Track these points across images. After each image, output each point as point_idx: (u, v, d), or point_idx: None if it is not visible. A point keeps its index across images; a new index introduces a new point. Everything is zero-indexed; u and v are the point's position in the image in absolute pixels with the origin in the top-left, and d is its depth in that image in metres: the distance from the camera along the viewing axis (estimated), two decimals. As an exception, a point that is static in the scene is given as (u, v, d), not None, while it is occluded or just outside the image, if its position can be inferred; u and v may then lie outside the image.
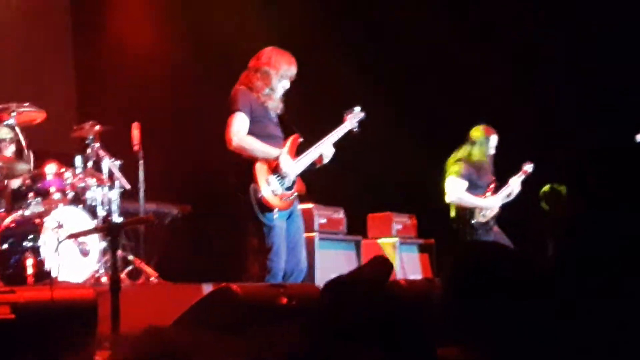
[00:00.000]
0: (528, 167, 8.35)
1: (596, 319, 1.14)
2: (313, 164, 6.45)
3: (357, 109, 6.70)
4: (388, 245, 9.06)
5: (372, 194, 9.66)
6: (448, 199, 8.05)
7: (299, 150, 6.41)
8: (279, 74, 6.36)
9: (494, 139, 8.14)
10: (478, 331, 2.40)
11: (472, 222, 8.01)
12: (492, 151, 8.16)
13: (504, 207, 8.18)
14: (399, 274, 8.75)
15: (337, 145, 6.51)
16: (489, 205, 8.02)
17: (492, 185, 8.15)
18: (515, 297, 2.29)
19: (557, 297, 1.24)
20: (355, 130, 6.64)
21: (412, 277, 8.56)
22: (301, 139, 6.47)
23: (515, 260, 2.53)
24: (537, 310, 2.14)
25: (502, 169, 8.29)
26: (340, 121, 6.60)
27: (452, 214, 8.16)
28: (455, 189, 7.99)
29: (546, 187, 8.46)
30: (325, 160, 6.47)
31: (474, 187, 8.05)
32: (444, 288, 2.72)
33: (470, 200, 7.98)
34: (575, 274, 1.20)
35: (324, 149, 6.45)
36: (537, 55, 9.29)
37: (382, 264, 2.11)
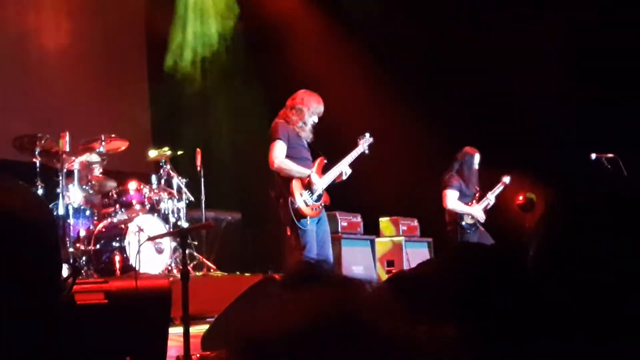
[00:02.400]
0: (506, 179, 8.32)
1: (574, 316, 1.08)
2: (334, 180, 6.50)
3: (367, 134, 6.69)
4: (396, 242, 9.09)
5: (383, 202, 9.65)
6: (445, 205, 8.04)
7: (324, 170, 6.44)
8: (310, 111, 6.37)
9: (477, 157, 8.13)
10: (463, 311, 2.44)
11: (462, 223, 8.00)
12: (476, 167, 8.15)
13: (488, 212, 8.16)
14: (404, 266, 8.76)
15: (352, 165, 6.55)
16: (475, 212, 8.01)
17: (477, 195, 8.13)
18: (497, 286, 2.32)
19: (534, 293, 1.15)
20: (366, 152, 6.63)
21: (415, 267, 8.54)
22: (326, 161, 6.51)
23: (495, 255, 2.57)
24: (515, 300, 2.16)
25: (486, 180, 8.28)
26: (354, 145, 6.64)
27: (447, 218, 8.16)
28: (449, 199, 7.99)
29: (521, 198, 8.45)
30: (344, 177, 6.49)
31: (463, 196, 8.02)
32: (439, 279, 2.76)
33: (462, 208, 7.98)
34: (550, 272, 1.12)
35: (343, 168, 6.49)
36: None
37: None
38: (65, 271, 1.69)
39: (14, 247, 1.20)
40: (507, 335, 1.58)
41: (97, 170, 7.69)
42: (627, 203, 1.10)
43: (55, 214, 7.05)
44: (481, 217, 7.99)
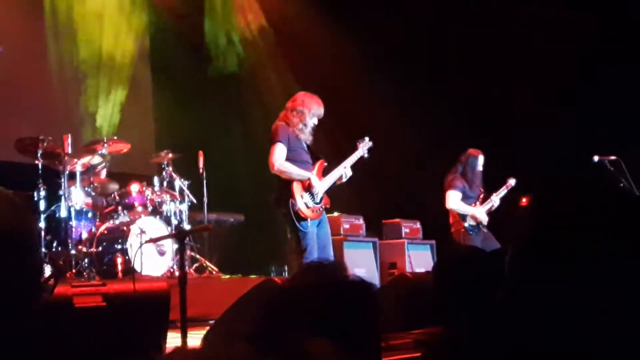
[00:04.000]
0: (511, 181, 8.29)
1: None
2: (335, 182, 6.48)
3: (367, 138, 6.63)
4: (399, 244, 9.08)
5: (385, 204, 9.64)
6: (448, 206, 8.02)
7: (324, 172, 6.42)
8: (310, 113, 6.34)
9: (481, 159, 8.11)
10: (457, 314, 2.43)
11: (465, 225, 7.98)
12: (480, 168, 8.13)
13: (491, 213, 8.13)
14: (407, 267, 8.75)
15: (354, 167, 6.53)
16: (478, 213, 7.98)
17: (481, 196, 8.11)
18: (486, 289, 2.32)
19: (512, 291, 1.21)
20: (365, 156, 6.58)
21: (417, 270, 8.54)
22: (326, 164, 6.49)
23: (485, 259, 2.57)
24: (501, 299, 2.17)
25: (490, 182, 8.26)
26: (354, 149, 6.62)
27: (450, 219, 8.14)
28: (452, 200, 7.96)
29: (524, 200, 8.39)
30: (344, 180, 6.47)
31: (466, 197, 8.01)
32: (434, 280, 2.76)
33: (464, 208, 7.95)
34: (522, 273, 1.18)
35: (343, 171, 6.46)
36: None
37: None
38: (48, 272, 1.68)
39: None
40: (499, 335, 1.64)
41: (102, 173, 7.70)
42: (597, 209, 1.15)
43: (57, 216, 7.06)
44: (484, 218, 7.96)
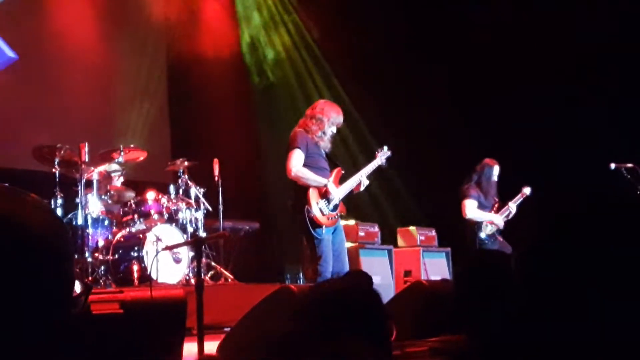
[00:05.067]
0: (526, 190, 8.25)
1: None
2: (352, 190, 6.47)
3: (385, 148, 6.67)
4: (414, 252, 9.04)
5: (401, 212, 9.62)
6: (465, 215, 8.01)
7: (341, 180, 6.42)
8: (329, 121, 6.36)
9: (496, 169, 8.11)
10: (480, 322, 2.40)
11: (480, 235, 7.97)
12: (495, 178, 8.12)
13: (507, 222, 8.10)
14: (422, 275, 8.72)
15: (371, 176, 6.53)
16: (495, 219, 7.98)
17: (496, 205, 8.09)
18: (510, 296, 2.30)
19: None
20: (383, 165, 6.62)
21: (432, 278, 8.50)
22: (343, 172, 6.49)
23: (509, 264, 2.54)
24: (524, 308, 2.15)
25: (505, 192, 8.23)
26: (372, 157, 6.61)
27: (465, 228, 8.13)
28: (469, 209, 7.97)
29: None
30: (362, 188, 6.47)
31: (482, 207, 8.01)
32: (455, 288, 2.73)
33: (481, 215, 7.95)
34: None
35: (361, 179, 6.47)
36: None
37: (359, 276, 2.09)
38: (78, 288, 1.68)
39: (21, 263, 1.18)
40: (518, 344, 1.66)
41: (117, 181, 7.72)
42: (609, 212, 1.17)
43: (74, 224, 7.09)
44: (501, 224, 7.95)
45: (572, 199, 1.24)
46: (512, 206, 8.10)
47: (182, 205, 7.68)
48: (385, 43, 9.92)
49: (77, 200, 7.14)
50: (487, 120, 9.34)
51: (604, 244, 1.13)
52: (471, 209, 7.95)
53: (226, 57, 10.58)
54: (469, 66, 9.49)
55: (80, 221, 7.09)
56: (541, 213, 1.28)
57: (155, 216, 7.47)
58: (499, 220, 7.96)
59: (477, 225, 7.98)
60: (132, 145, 8.02)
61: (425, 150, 9.61)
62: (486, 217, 7.97)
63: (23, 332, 1.16)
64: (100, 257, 7.08)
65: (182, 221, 7.62)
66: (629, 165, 7.43)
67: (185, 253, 7.21)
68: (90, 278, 6.84)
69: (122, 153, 7.64)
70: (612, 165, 7.50)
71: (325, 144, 6.39)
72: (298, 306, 1.81)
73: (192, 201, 7.81)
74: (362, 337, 1.69)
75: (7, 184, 1.40)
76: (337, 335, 1.51)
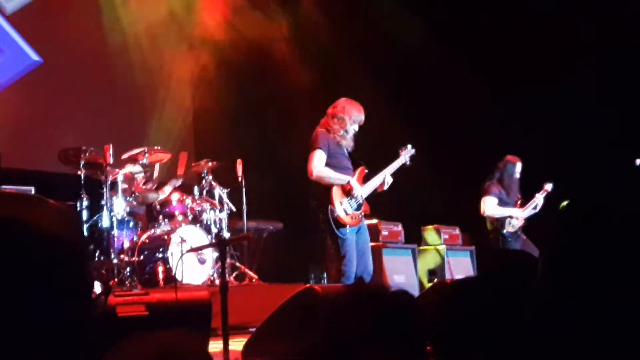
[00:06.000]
0: (548, 186, 8.19)
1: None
2: (376, 189, 6.45)
3: (409, 146, 6.62)
4: (438, 251, 9.00)
5: (425, 211, 9.57)
6: (484, 213, 7.98)
7: (364, 179, 6.40)
8: (351, 120, 6.32)
9: (519, 166, 8.07)
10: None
11: (503, 231, 7.93)
12: (517, 175, 8.08)
13: (530, 220, 8.04)
14: (446, 274, 8.68)
15: (394, 174, 6.50)
16: (518, 214, 7.93)
17: (519, 202, 8.05)
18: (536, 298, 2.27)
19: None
20: (407, 164, 6.56)
21: (457, 277, 8.46)
22: (367, 171, 6.46)
23: (533, 264, 2.51)
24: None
25: (527, 189, 8.17)
26: (396, 156, 6.59)
27: (488, 226, 8.09)
28: (488, 206, 7.94)
29: (564, 204, 8.27)
30: (385, 187, 6.44)
31: (503, 204, 7.98)
32: (478, 288, 2.70)
33: (501, 211, 7.91)
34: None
35: (384, 178, 6.43)
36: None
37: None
38: (98, 289, 1.69)
39: (40, 267, 1.20)
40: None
41: (142, 183, 7.76)
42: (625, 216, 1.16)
43: (99, 225, 7.14)
44: (522, 216, 7.89)
45: (598, 197, 1.23)
46: (539, 197, 8.04)
47: (206, 206, 7.70)
48: (405, 38, 9.87)
49: (103, 202, 7.18)
50: (512, 116, 9.26)
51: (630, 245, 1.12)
52: (490, 205, 7.93)
53: (249, 60, 10.60)
54: (495, 60, 9.42)
55: (105, 223, 7.14)
56: (568, 213, 1.27)
57: (180, 217, 7.50)
58: (519, 214, 7.92)
59: (499, 222, 7.93)
60: (156, 147, 8.05)
61: (449, 147, 9.55)
62: (506, 212, 7.93)
63: (36, 335, 1.17)
64: (126, 258, 7.12)
65: (206, 222, 7.65)
66: (656, 161, 7.34)
67: (210, 254, 7.23)
68: (116, 280, 6.88)
69: (146, 155, 7.68)
70: (638, 162, 7.41)
71: (347, 143, 6.36)
72: (330, 311, 1.81)
73: (216, 202, 7.83)
74: (400, 339, 1.69)
75: (30, 190, 1.41)
76: (371, 346, 1.50)
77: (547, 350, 1.19)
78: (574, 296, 1.13)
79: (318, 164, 6.15)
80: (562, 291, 1.16)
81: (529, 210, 8.00)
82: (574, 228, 1.20)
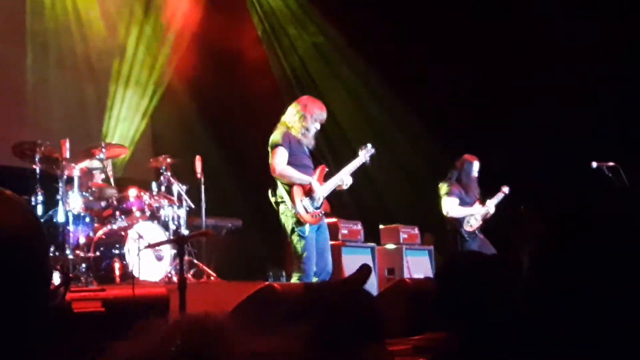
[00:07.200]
0: (505, 189, 8.27)
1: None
2: (335, 188, 6.45)
3: (369, 145, 6.64)
4: (395, 250, 9.04)
5: (383, 210, 9.62)
6: (447, 214, 8.02)
7: (325, 178, 6.40)
8: (313, 118, 6.32)
9: (476, 165, 8.12)
10: (460, 319, 2.41)
11: (461, 230, 7.99)
12: (475, 174, 8.14)
13: (487, 221, 8.12)
14: (405, 273, 8.73)
15: (353, 174, 6.51)
16: (477, 211, 7.99)
17: (476, 202, 8.11)
18: (488, 293, 2.31)
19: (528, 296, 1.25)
20: (367, 163, 6.58)
21: (415, 276, 8.52)
22: (327, 169, 6.47)
23: (488, 263, 2.56)
24: (503, 303, 2.16)
25: (485, 188, 8.25)
26: (355, 155, 6.60)
27: (447, 226, 8.14)
28: (450, 205, 7.98)
29: (522, 207, 8.39)
30: (345, 187, 6.45)
31: (463, 203, 8.02)
32: (435, 285, 2.74)
33: (462, 211, 7.96)
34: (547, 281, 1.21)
35: (344, 177, 6.44)
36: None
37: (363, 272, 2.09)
38: (57, 280, 1.67)
39: (0, 255, 1.19)
40: (502, 342, 1.69)
41: (99, 178, 7.66)
42: (610, 219, 1.19)
43: (54, 220, 7.03)
44: (480, 217, 7.97)
45: (561, 198, 1.27)
46: (490, 205, 8.11)
47: (164, 202, 7.63)
48: (364, 33, 9.91)
49: (58, 197, 7.07)
50: (469, 115, 9.37)
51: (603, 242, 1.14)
52: (452, 206, 7.97)
53: (209, 53, 10.54)
54: (451, 62, 9.50)
55: (61, 218, 7.02)
56: (542, 212, 1.32)
57: (137, 213, 7.41)
58: (480, 211, 7.99)
59: (458, 222, 7.99)
60: (113, 142, 7.96)
61: (408, 146, 9.62)
62: (469, 212, 7.99)
63: (2, 326, 1.16)
64: (82, 254, 7.02)
65: (164, 218, 7.58)
66: (611, 163, 7.46)
67: (168, 251, 7.16)
68: (71, 275, 6.78)
69: (103, 149, 7.57)
70: (594, 164, 7.53)
71: (308, 141, 6.36)
72: (292, 307, 1.81)
73: (175, 198, 7.76)
74: (362, 336, 1.69)
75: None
76: (337, 335, 1.51)
77: (533, 348, 1.21)
78: (567, 294, 1.15)
79: (280, 161, 6.14)
80: (553, 289, 1.18)
81: (482, 213, 8.05)
82: (566, 227, 1.22)
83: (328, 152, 6.64)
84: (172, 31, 10.51)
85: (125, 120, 10.14)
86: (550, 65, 8.94)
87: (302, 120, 6.29)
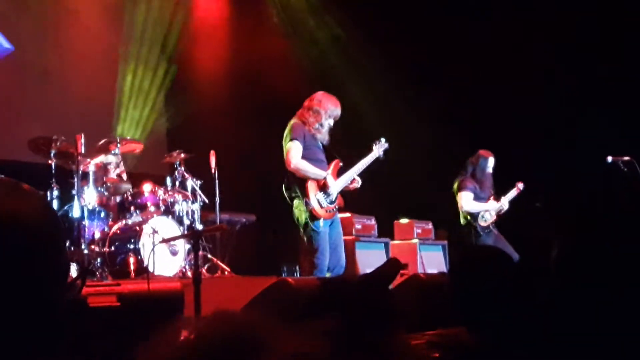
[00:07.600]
0: (520, 185, 8.23)
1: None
2: (348, 185, 6.44)
3: (383, 140, 6.64)
4: (410, 245, 9.03)
5: (398, 205, 9.61)
6: (462, 208, 7.99)
7: (339, 173, 6.41)
8: (327, 113, 6.34)
9: (491, 161, 8.09)
10: (474, 314, 2.41)
11: (476, 225, 7.96)
12: (490, 170, 8.11)
13: (502, 216, 8.09)
14: (419, 268, 8.72)
15: (367, 169, 6.50)
16: (493, 207, 7.97)
17: (492, 197, 8.08)
18: (503, 290, 2.31)
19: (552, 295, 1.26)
20: (381, 157, 6.58)
21: (429, 271, 8.50)
22: (341, 164, 6.47)
23: (503, 260, 2.55)
24: (518, 299, 2.16)
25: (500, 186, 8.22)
26: (369, 150, 6.59)
27: (461, 220, 8.11)
28: (466, 201, 7.96)
29: (537, 204, 8.35)
30: (357, 184, 6.46)
31: (478, 199, 8.00)
32: (450, 281, 2.73)
33: (479, 207, 7.94)
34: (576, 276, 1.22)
35: (357, 173, 6.45)
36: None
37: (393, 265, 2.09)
38: (74, 273, 1.68)
39: (18, 251, 1.20)
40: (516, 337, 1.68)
41: (114, 173, 7.69)
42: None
43: (69, 215, 7.06)
44: (495, 212, 7.93)
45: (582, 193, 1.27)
46: (505, 202, 8.07)
47: (179, 197, 7.65)
48: (378, 33, 9.90)
49: (73, 192, 7.11)
50: (485, 110, 9.33)
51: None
52: (468, 201, 7.94)
53: (225, 46, 10.57)
54: (465, 56, 9.47)
55: (76, 213, 7.05)
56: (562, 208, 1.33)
57: (152, 208, 7.44)
58: (494, 207, 7.96)
59: (473, 216, 7.97)
60: (128, 137, 7.98)
61: (422, 142, 9.59)
62: (484, 208, 7.97)
63: (15, 318, 1.17)
64: (97, 249, 7.06)
65: (179, 213, 7.60)
66: (626, 158, 7.41)
67: (182, 245, 7.18)
68: (89, 268, 6.81)
69: (118, 145, 7.61)
70: (609, 159, 7.48)
71: (322, 136, 6.37)
72: (309, 301, 1.81)
73: (189, 193, 7.78)
74: (384, 330, 1.70)
75: (1, 175, 1.40)
76: (361, 330, 1.52)
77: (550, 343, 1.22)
78: (594, 287, 1.16)
79: (295, 155, 6.16)
80: (579, 282, 1.18)
81: (496, 208, 8.02)
82: (596, 223, 1.23)
83: (344, 146, 6.62)
84: (188, 25, 10.52)
85: (139, 116, 10.17)
86: (561, 56, 8.90)
87: (316, 115, 6.31)
